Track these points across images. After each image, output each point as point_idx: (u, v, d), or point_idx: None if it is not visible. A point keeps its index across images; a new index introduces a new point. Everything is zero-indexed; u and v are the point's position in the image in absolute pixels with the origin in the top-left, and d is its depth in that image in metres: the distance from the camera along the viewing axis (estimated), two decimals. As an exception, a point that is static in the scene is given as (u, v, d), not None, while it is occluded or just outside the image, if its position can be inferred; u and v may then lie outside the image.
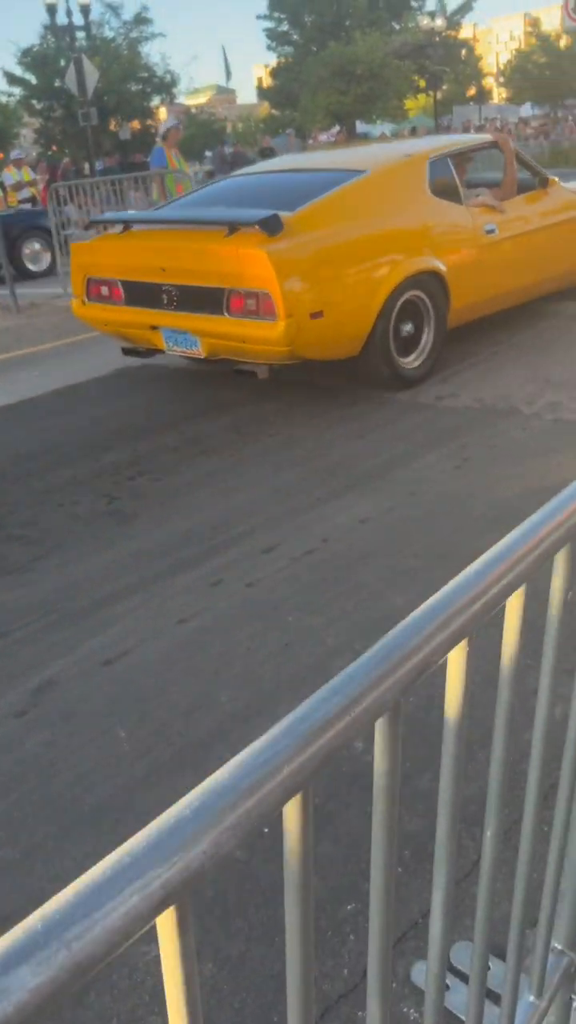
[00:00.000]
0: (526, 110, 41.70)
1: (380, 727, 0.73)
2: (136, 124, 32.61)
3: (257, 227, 4.41)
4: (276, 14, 40.39)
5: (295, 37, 40.34)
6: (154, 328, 5.07)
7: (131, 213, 7.57)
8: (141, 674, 2.59)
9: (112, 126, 31.30)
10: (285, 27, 40.65)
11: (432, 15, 37.51)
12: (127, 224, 5.48)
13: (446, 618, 0.79)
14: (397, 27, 37.64)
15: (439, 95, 35.72)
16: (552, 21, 40.87)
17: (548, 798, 1.21)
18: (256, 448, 4.43)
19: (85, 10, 21.31)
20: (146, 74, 32.04)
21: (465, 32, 46.23)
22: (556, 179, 6.19)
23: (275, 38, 41.06)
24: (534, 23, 45.65)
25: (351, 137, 28.57)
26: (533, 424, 4.33)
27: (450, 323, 5.32)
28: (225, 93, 59.49)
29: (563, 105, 38.78)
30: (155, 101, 33.86)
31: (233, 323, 4.59)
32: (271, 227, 4.41)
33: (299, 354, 4.61)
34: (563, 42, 39.80)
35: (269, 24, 40.71)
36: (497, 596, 0.84)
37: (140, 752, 2.25)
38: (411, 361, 5.15)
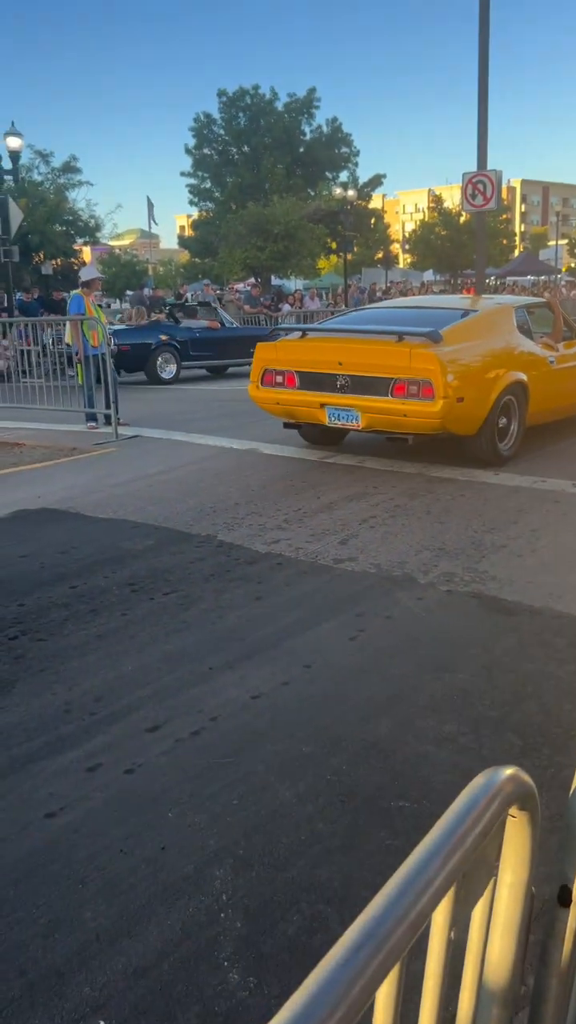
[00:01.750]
0: (428, 276, 44.82)
1: None
2: (58, 262, 33.47)
3: (424, 337, 6.45)
4: (199, 173, 42.84)
5: (216, 194, 42.73)
6: (322, 406, 7.02)
7: (309, 325, 9.65)
8: (-2, 882, 2.32)
9: (35, 261, 32.02)
10: (207, 184, 43.08)
11: (345, 186, 40.42)
12: (304, 332, 7.82)
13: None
14: (312, 193, 40.36)
15: (349, 257, 38.06)
16: (453, 198, 44.60)
17: None
18: (150, 607, 4.28)
19: (14, 156, 22.13)
20: (71, 217, 33.14)
21: (375, 202, 49.89)
22: None
23: (197, 194, 43.40)
24: (437, 199, 49.55)
25: (266, 290, 29.93)
26: (428, 594, 4.33)
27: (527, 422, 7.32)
28: (149, 237, 61.96)
29: (461, 274, 41.78)
30: (79, 242, 34.95)
31: (396, 403, 6.54)
32: (434, 337, 6.47)
33: (444, 427, 6.56)
34: (462, 218, 43.34)
35: (192, 181, 43.08)
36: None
37: (-14, 986, 1.98)
38: (504, 445, 7.14)
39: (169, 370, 15.42)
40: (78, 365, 10.26)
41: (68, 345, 10.65)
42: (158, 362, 14.94)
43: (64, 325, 11.16)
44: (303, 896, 2.27)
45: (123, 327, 16.43)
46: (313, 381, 7.04)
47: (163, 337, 15.28)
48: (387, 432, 6.92)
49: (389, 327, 6.92)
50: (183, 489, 6.70)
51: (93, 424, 10.08)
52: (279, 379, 7.29)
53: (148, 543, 5.29)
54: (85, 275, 10.65)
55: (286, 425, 7.73)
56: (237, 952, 2.09)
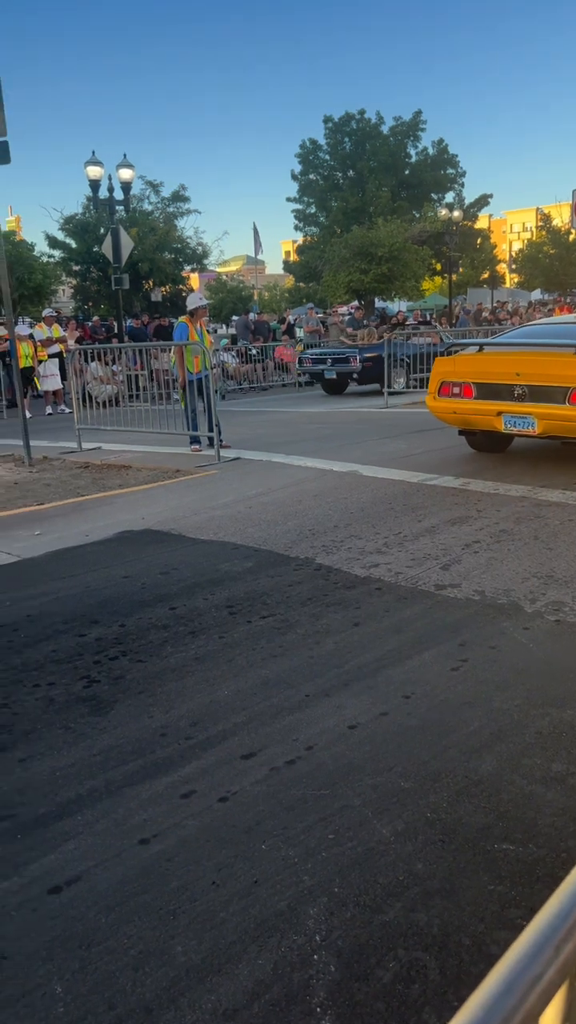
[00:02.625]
0: (536, 295, 43.93)
1: None
2: (167, 289, 34.38)
3: None
4: (305, 198, 43.33)
5: (321, 219, 43.10)
6: (498, 414, 7.48)
7: (486, 340, 9.77)
8: (90, 909, 2.30)
9: (145, 288, 32.98)
10: (312, 209, 43.51)
11: (451, 207, 40.11)
12: (481, 347, 8.45)
13: None
14: (417, 215, 40.20)
15: (455, 277, 37.68)
16: (562, 216, 43.66)
17: None
18: (248, 630, 4.25)
19: (126, 187, 22.84)
20: (179, 245, 34.02)
21: (481, 222, 49.32)
22: None
23: (303, 219, 43.88)
24: (545, 218, 48.61)
25: (369, 312, 29.92)
26: (536, 624, 4.15)
27: None
28: (254, 263, 63.00)
29: (571, 292, 40.78)
30: (187, 269, 35.83)
31: (573, 410, 6.95)
32: None
33: None
34: (572, 236, 42.34)
35: (298, 206, 43.60)
36: None
37: (75, 1016, 1.94)
38: None
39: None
40: (181, 390, 10.45)
41: (168, 371, 10.87)
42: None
43: (171, 350, 11.41)
44: (400, 941, 2.16)
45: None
46: (490, 391, 7.57)
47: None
48: (562, 437, 7.49)
49: (564, 341, 7.61)
50: (282, 511, 6.68)
51: (197, 446, 10.23)
52: (456, 390, 7.85)
53: (247, 565, 5.27)
54: (191, 303, 10.86)
55: (461, 432, 8.55)
56: (330, 998, 2.00)
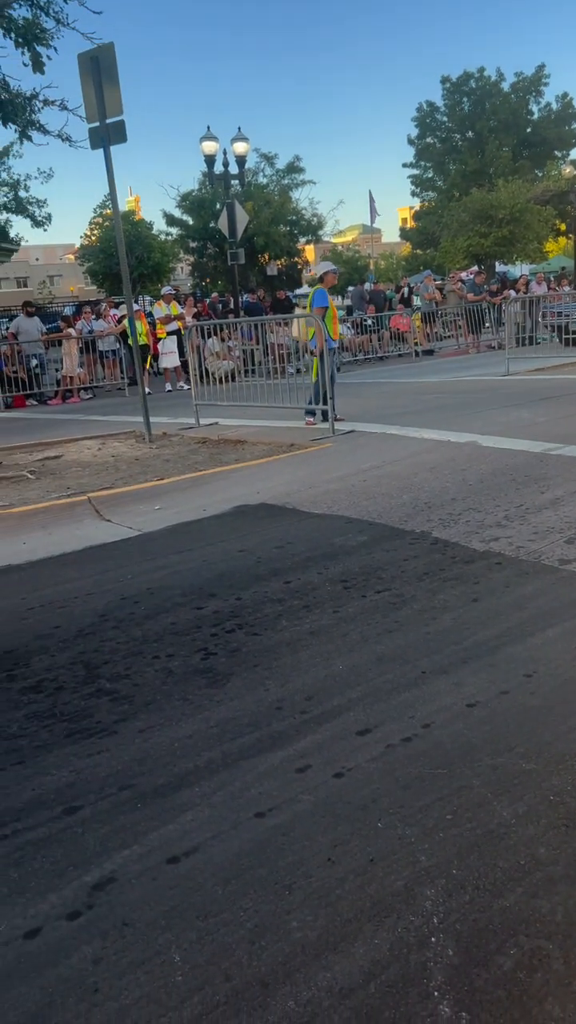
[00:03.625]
0: None
1: None
2: (282, 262, 34.40)
3: None
4: (422, 163, 42.38)
5: (439, 183, 42.06)
6: None
7: None
8: (208, 879, 2.33)
9: (261, 262, 33.11)
10: (430, 174, 42.52)
11: (575, 163, 38.37)
12: None
13: None
14: (540, 174, 38.67)
15: (580, 237, 36.09)
16: None
17: None
18: (362, 605, 4.20)
19: (241, 161, 22.89)
20: (294, 217, 33.91)
21: (608, 178, 46.91)
22: None
23: (419, 184, 42.98)
24: None
25: (490, 276, 29.08)
26: None
27: None
28: (370, 232, 62.20)
29: None
30: (301, 241, 35.71)
31: None
32: None
33: None
34: None
35: (415, 171, 42.69)
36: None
37: (193, 986, 1.97)
38: None
39: None
40: (315, 360, 10.25)
41: (296, 340, 10.71)
42: None
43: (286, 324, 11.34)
44: (521, 928, 2.09)
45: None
46: None
47: None
48: None
49: None
50: (398, 484, 6.57)
51: (311, 420, 10.19)
52: None
53: (361, 539, 5.22)
54: (320, 269, 10.67)
55: None
56: (448, 982, 1.95)
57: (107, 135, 9.27)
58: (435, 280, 27.76)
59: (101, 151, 9.38)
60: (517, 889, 2.21)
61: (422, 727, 3.02)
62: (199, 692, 3.46)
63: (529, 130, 40.36)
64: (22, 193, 26.49)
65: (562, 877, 2.24)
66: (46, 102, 14.12)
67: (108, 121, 9.24)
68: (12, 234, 26.76)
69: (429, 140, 41.78)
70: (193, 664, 3.72)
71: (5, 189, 26.36)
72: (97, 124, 9.32)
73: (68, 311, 24.01)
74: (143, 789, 2.80)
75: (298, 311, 20.34)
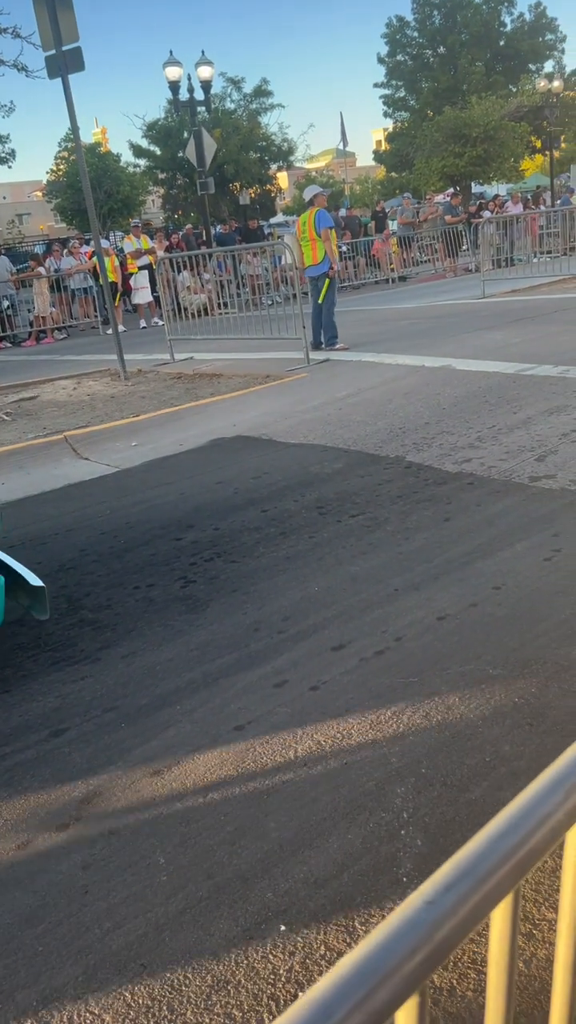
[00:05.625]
0: None
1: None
2: (254, 191, 33.65)
3: None
4: (393, 81, 41.19)
5: (411, 103, 40.97)
6: None
7: None
8: (189, 789, 2.45)
9: (234, 190, 32.37)
10: (402, 93, 41.37)
11: (550, 77, 37.39)
12: None
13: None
14: (514, 89, 37.69)
15: (557, 154, 35.40)
16: None
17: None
18: (337, 529, 4.29)
19: (206, 86, 22.20)
20: (264, 143, 33.06)
21: (584, 91, 45.81)
22: None
23: (391, 104, 41.81)
24: None
25: (466, 198, 28.58)
26: None
27: None
28: (343, 156, 60.76)
29: None
30: (272, 168, 34.87)
31: None
32: None
33: None
34: None
35: (386, 91, 41.52)
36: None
37: (177, 884, 2.10)
38: None
39: None
40: (328, 282, 10.04)
41: (291, 266, 10.32)
42: None
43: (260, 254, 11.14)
44: (486, 818, 2.21)
45: None
46: None
47: None
48: None
49: None
50: (373, 411, 6.61)
51: (343, 344, 9.98)
52: None
53: (336, 467, 5.28)
54: (308, 193, 10.41)
55: None
56: (417, 869, 2.08)
57: (64, 63, 8.99)
58: (413, 203, 27.26)
59: (60, 81, 9.10)
60: (483, 783, 2.34)
61: (394, 640, 3.13)
62: (179, 618, 3.55)
63: (502, 43, 39.18)
64: (-18, 128, 25.66)
65: (525, 770, 2.37)
66: (-1, 30, 13.61)
67: (64, 48, 8.94)
68: (-25, 172, 25.98)
69: (400, 58, 40.51)
70: (173, 592, 3.81)
71: (-35, 125, 25.58)
72: (53, 52, 9.03)
73: (38, 250, 23.51)
74: (127, 710, 2.90)
75: (281, 239, 19.95)
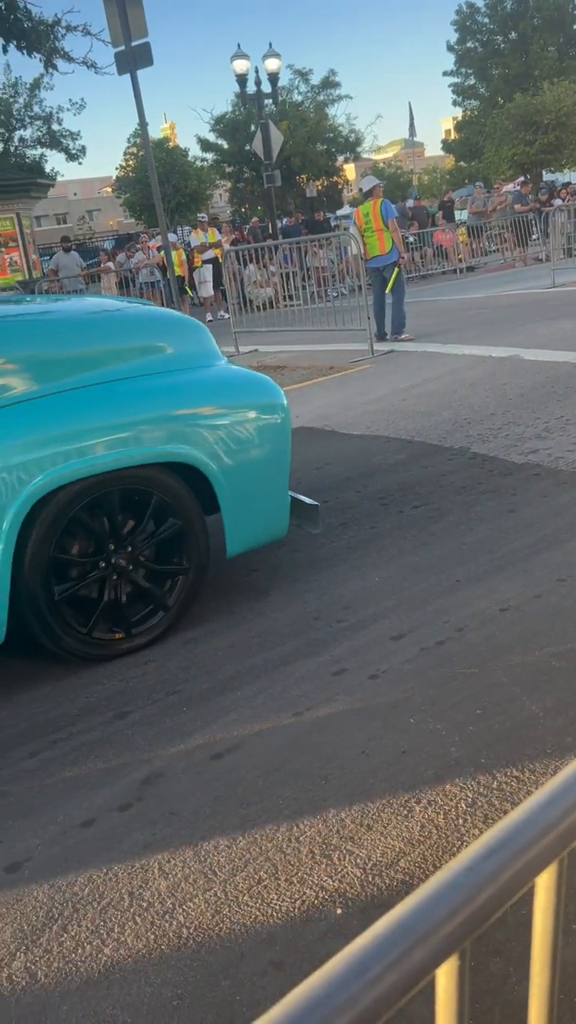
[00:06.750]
0: None
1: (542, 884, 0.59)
2: (321, 183, 33.61)
3: None
4: (463, 69, 40.62)
5: (481, 90, 40.36)
6: None
7: None
8: (249, 772, 2.48)
9: (301, 182, 32.40)
10: (472, 81, 40.77)
11: (625, 59, 36.41)
12: None
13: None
14: (587, 73, 36.81)
15: (631, 139, 34.45)
16: None
17: None
18: (399, 520, 4.27)
19: (273, 79, 22.21)
20: (331, 135, 32.98)
21: None
22: None
23: (461, 92, 41.25)
24: None
25: (536, 186, 28.04)
26: None
27: None
28: (412, 146, 60.16)
29: None
30: (339, 159, 34.79)
31: None
32: None
33: None
34: None
35: (456, 79, 40.98)
36: None
37: (237, 865, 2.13)
38: None
39: None
40: (396, 271, 10.05)
41: (362, 258, 10.25)
42: None
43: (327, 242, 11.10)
44: (546, 811, 2.19)
45: None
46: None
47: None
48: None
49: None
50: (437, 402, 6.55)
51: (409, 335, 9.97)
52: None
53: (399, 457, 5.26)
54: (367, 184, 10.40)
55: None
56: (474, 859, 2.07)
57: (133, 59, 9.11)
58: (485, 192, 26.85)
59: (128, 77, 9.23)
60: (546, 773, 2.31)
61: (455, 631, 3.11)
62: (241, 606, 3.59)
63: (576, 26, 38.36)
64: (55, 126, 26.19)
65: (587, 764, 2.33)
66: (69, 28, 13.87)
67: (133, 44, 9.07)
68: (47, 169, 26.57)
69: (470, 45, 39.92)
70: (235, 581, 3.85)
71: (38, 123, 26.10)
72: (122, 48, 9.16)
73: (108, 245, 23.89)
74: (189, 694, 2.95)
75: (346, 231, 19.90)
